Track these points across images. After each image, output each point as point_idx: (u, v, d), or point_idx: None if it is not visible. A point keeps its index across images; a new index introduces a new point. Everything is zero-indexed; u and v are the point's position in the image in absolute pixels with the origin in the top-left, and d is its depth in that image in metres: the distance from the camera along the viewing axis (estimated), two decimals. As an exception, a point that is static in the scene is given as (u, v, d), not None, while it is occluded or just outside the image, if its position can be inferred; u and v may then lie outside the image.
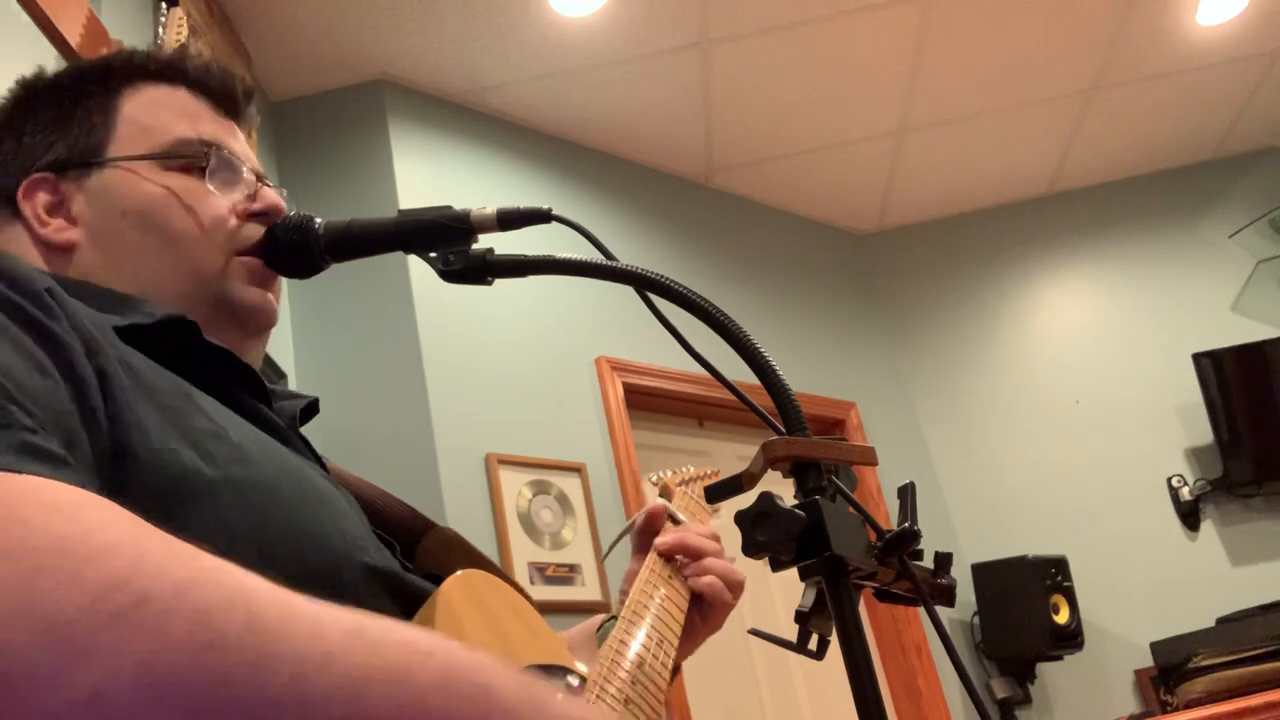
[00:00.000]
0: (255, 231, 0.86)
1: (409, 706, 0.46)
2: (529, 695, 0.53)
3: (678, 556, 1.04)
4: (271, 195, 0.88)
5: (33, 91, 0.87)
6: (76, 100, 0.85)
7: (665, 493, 1.22)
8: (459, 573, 0.71)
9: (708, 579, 1.02)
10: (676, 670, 1.01)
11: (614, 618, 1.04)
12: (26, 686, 0.39)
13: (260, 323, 0.86)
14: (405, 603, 0.69)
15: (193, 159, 0.84)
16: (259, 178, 0.89)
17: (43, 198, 0.82)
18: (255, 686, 0.43)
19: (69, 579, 0.41)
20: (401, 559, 0.77)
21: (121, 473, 0.58)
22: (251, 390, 0.78)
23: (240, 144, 0.90)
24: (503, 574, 0.80)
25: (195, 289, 0.82)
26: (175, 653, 0.42)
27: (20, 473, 0.46)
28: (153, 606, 0.42)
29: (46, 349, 0.58)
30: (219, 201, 0.85)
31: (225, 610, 0.44)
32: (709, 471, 1.31)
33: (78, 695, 0.40)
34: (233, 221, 0.85)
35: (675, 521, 1.10)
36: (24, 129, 0.85)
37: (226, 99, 0.91)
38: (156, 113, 0.86)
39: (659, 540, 1.04)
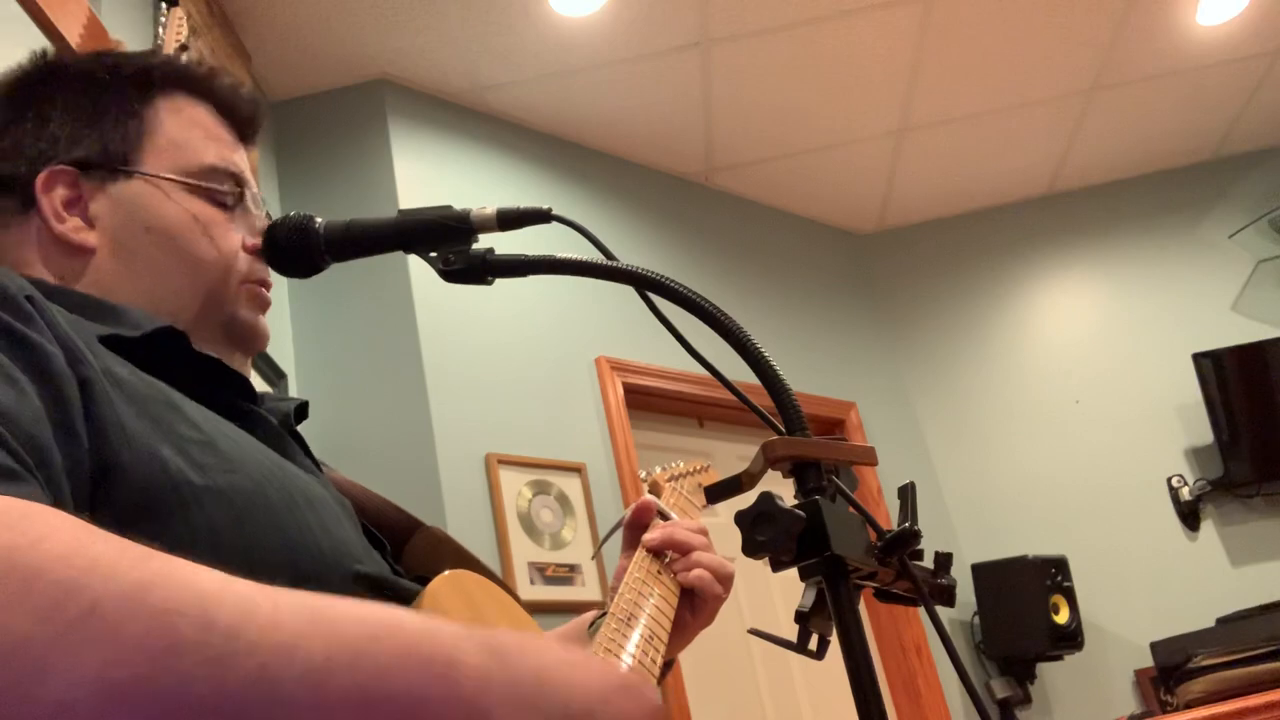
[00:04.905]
0: (260, 268, 0.89)
1: (372, 685, 0.47)
2: (497, 650, 0.53)
3: (667, 552, 1.04)
4: None
5: (58, 73, 0.85)
6: (111, 97, 0.84)
7: (655, 489, 1.22)
8: (446, 572, 0.71)
9: (697, 572, 1.02)
10: (669, 667, 1.01)
11: (605, 614, 1.04)
12: None
13: (259, 345, 0.89)
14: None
15: (222, 193, 0.86)
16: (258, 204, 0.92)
17: (61, 192, 0.81)
18: (219, 684, 0.42)
19: (18, 593, 0.40)
20: (391, 561, 0.77)
21: (107, 482, 0.57)
22: (242, 395, 0.78)
23: (249, 168, 0.92)
24: (491, 573, 0.80)
25: (206, 312, 0.84)
26: (135, 658, 0.41)
27: None
28: (107, 613, 0.42)
29: (19, 357, 0.57)
30: (236, 237, 0.87)
31: (180, 611, 0.43)
32: (699, 466, 1.32)
33: (43, 710, 0.39)
34: (244, 256, 0.87)
35: (665, 517, 1.11)
36: (49, 114, 0.83)
37: (248, 127, 0.93)
38: (189, 131, 0.86)
39: (647, 536, 1.04)
